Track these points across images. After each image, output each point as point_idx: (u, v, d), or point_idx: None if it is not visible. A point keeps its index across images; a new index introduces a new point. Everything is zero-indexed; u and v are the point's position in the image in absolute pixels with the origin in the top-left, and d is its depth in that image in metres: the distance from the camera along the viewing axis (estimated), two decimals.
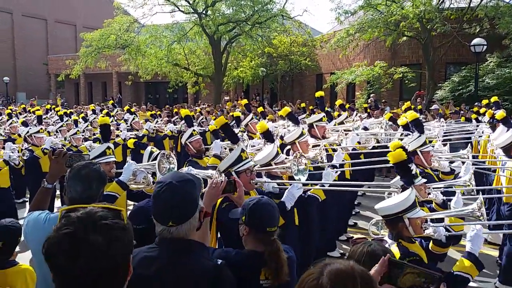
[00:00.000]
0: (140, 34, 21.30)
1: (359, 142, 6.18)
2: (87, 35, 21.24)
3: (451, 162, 4.94)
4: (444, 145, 5.73)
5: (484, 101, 10.02)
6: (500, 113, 6.09)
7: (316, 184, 4.02)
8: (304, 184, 3.90)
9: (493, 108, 7.92)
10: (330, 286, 1.17)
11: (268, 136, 5.00)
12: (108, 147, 4.29)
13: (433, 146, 5.30)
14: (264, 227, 2.30)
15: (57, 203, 6.71)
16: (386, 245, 2.67)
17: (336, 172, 4.36)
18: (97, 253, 1.16)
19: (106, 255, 1.17)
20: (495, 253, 5.54)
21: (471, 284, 2.72)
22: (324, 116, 6.27)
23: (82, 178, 2.35)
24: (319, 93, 7.79)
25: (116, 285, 1.25)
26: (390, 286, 1.58)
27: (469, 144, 5.41)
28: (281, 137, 6.27)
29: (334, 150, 5.41)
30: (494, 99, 8.81)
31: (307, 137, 5.19)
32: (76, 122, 9.96)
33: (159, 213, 1.86)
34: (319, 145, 5.10)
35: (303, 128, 5.35)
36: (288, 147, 5.15)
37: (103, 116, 7.09)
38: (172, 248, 1.84)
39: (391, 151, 3.32)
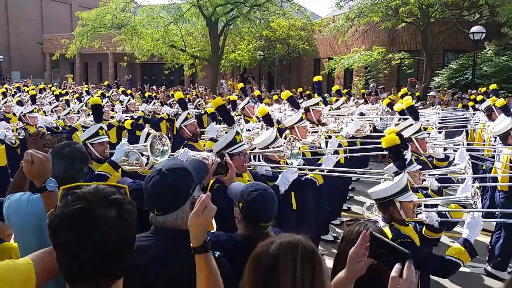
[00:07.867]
0: (137, 14, 20.99)
1: None
2: (82, 14, 20.93)
3: (445, 149, 4.95)
4: (440, 132, 5.72)
5: (483, 89, 10.00)
6: (500, 101, 6.06)
7: (313, 170, 4.00)
8: (300, 169, 3.89)
9: (491, 95, 7.89)
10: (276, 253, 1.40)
11: (268, 120, 4.96)
12: (101, 127, 4.23)
13: (428, 133, 5.30)
14: (257, 220, 2.25)
15: None
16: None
17: (337, 158, 4.36)
18: (111, 226, 1.15)
19: (118, 229, 1.16)
20: (486, 238, 5.60)
21: (461, 268, 2.75)
22: (320, 101, 6.24)
23: (64, 157, 2.36)
24: (317, 78, 7.75)
25: (123, 264, 1.21)
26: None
27: (464, 131, 5.40)
28: (278, 121, 6.24)
29: (330, 137, 5.40)
30: (493, 87, 8.78)
31: (306, 122, 5.17)
32: (68, 102, 9.92)
33: (147, 200, 1.86)
34: (317, 132, 5.09)
35: (302, 113, 5.32)
36: (287, 131, 5.13)
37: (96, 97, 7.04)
38: (167, 237, 1.81)
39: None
